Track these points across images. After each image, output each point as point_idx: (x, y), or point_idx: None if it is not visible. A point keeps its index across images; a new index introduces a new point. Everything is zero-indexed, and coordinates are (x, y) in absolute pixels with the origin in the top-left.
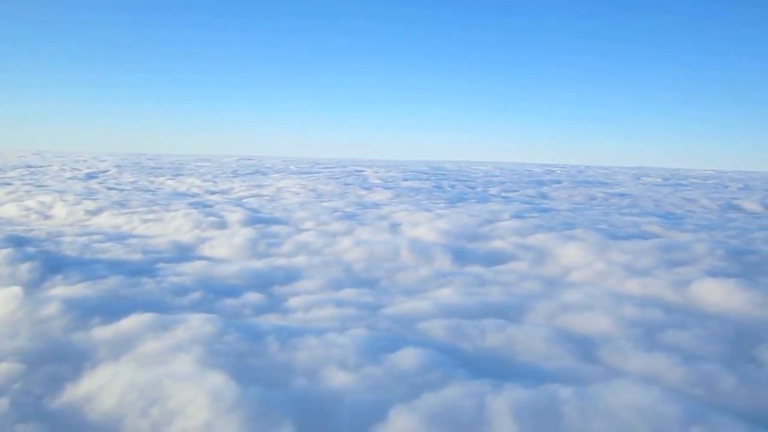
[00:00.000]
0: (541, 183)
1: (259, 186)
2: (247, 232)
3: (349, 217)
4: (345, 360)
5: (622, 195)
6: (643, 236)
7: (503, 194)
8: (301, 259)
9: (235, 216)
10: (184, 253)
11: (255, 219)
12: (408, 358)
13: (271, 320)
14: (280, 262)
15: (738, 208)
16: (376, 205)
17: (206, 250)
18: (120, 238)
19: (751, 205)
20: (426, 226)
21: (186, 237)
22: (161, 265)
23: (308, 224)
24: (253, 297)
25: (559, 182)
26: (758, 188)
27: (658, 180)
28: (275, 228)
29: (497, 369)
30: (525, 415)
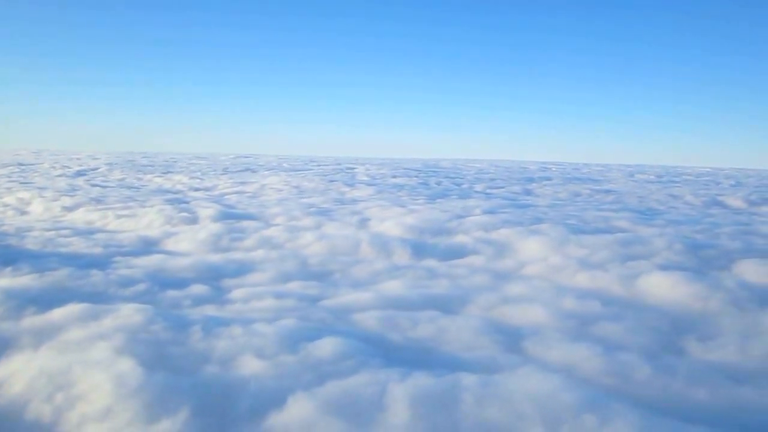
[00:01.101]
0: (530, 180)
1: (244, 183)
2: (215, 227)
3: (322, 212)
4: (263, 349)
5: (608, 191)
6: (609, 231)
7: (488, 191)
8: (258, 253)
9: (207, 212)
10: (146, 247)
11: (227, 215)
12: (325, 347)
13: (207, 311)
14: (238, 255)
15: (721, 204)
16: (354, 202)
17: (170, 244)
18: (88, 232)
19: (735, 201)
20: (393, 221)
21: (154, 232)
22: (118, 258)
23: (279, 220)
24: (197, 289)
25: (549, 179)
26: (749, 185)
27: (651, 177)
28: (245, 223)
29: (416, 358)
30: (421, 401)
